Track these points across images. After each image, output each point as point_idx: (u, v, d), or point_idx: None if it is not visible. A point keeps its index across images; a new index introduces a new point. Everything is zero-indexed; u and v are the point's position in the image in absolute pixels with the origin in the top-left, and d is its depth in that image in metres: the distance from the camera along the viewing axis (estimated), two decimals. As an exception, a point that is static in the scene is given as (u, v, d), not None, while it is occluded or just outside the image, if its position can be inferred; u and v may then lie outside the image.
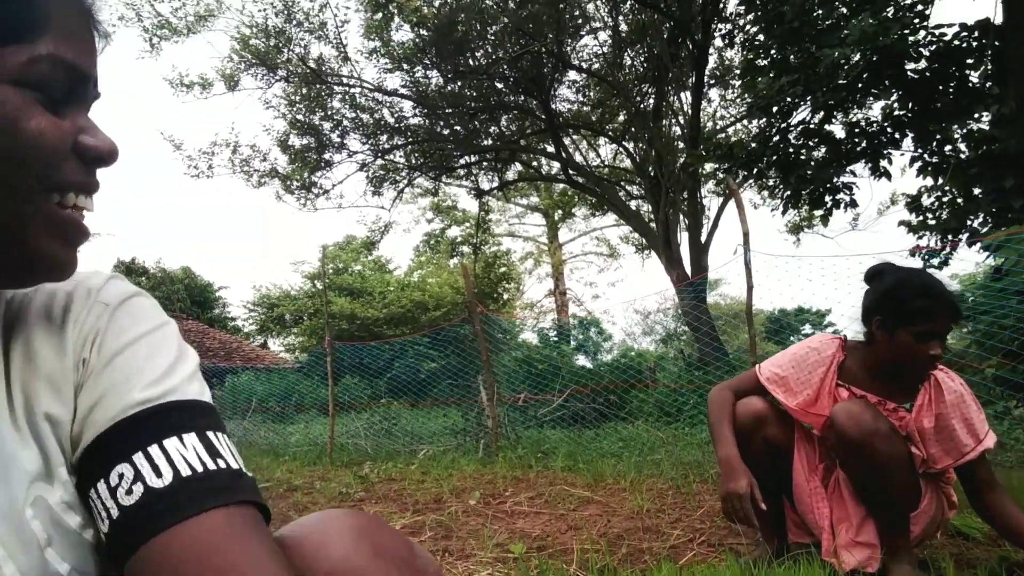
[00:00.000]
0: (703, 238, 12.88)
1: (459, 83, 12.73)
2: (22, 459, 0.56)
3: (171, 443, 0.57)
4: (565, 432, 6.92)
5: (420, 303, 18.04)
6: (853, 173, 7.55)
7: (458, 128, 13.60)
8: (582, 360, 13.73)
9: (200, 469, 0.57)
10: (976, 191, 6.10)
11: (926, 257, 6.60)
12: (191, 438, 0.59)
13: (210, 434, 0.60)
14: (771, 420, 2.16)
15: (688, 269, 12.24)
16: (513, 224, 27.33)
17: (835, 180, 7.44)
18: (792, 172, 7.35)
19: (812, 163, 7.44)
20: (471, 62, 12.26)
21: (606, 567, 2.01)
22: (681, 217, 12.89)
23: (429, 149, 14.02)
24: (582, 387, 8.43)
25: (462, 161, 14.50)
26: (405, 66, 12.48)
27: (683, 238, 12.83)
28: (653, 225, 13.07)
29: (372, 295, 18.06)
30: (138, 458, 0.56)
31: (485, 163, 14.70)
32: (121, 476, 0.56)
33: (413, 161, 14.23)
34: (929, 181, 6.87)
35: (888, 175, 7.27)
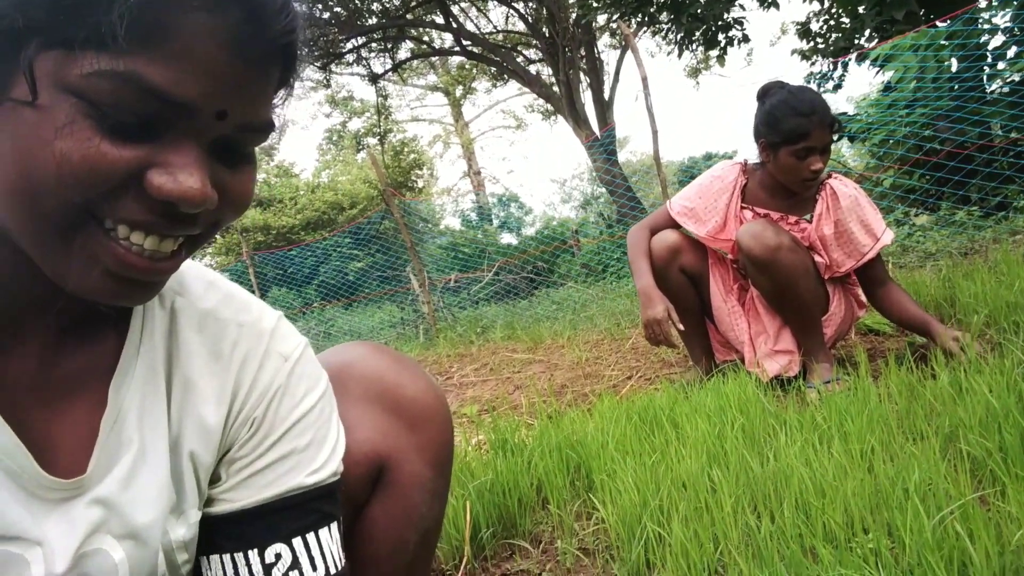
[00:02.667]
0: (606, 94, 12.79)
1: (331, -42, 11.78)
2: (166, 489, 0.61)
3: (324, 535, 0.65)
4: (500, 306, 7.09)
5: (334, 203, 17.54)
6: (742, 7, 7.55)
7: (338, 9, 12.71)
8: (507, 237, 13.84)
9: (339, 567, 0.66)
10: (860, 9, 6.22)
11: (819, 82, 6.78)
12: (334, 529, 0.67)
13: (339, 520, 0.68)
14: (686, 249, 2.28)
15: (595, 128, 12.22)
16: (415, 108, 26.52)
17: (726, 16, 7.43)
18: (683, 12, 7.28)
19: (701, 1, 7.37)
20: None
21: (554, 412, 2.14)
22: (582, 76, 12.71)
23: (312, 36, 13.11)
24: (511, 258, 8.56)
25: (349, 45, 13.65)
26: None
27: (587, 97, 12.71)
28: (556, 88, 12.86)
29: (283, 202, 17.40)
30: (297, 545, 0.64)
31: (374, 44, 13.88)
32: (278, 556, 0.63)
33: (297, 53, 13.32)
34: (816, 6, 6.94)
35: (776, 4, 7.30)
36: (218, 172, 0.51)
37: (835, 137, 2.06)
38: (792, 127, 1.98)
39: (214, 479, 0.66)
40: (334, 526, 0.67)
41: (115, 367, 0.60)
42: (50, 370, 0.58)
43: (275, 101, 0.55)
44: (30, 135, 0.44)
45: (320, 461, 0.66)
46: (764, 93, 2.14)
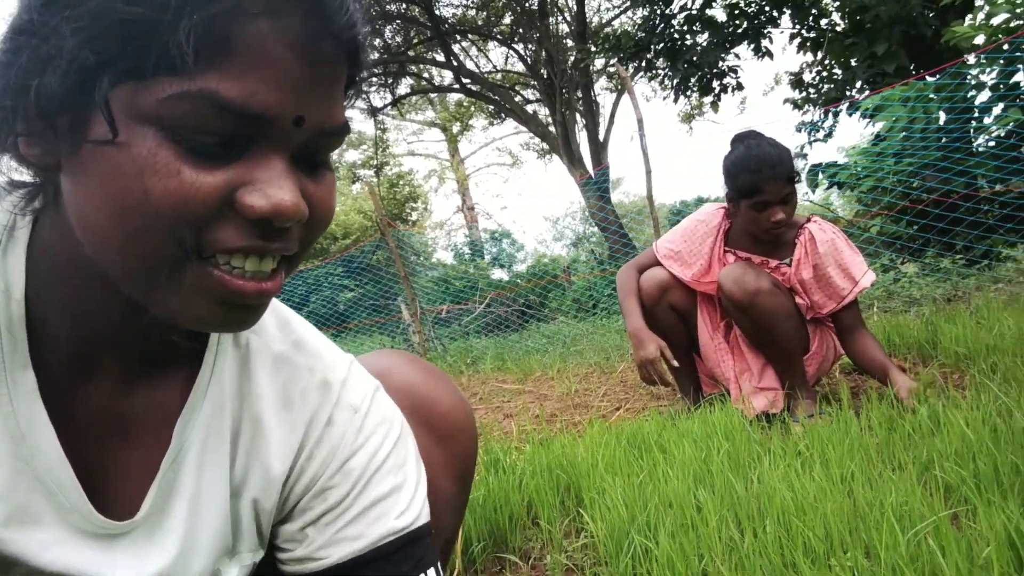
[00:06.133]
0: (601, 136, 13.05)
1: (335, -5, 12.04)
2: (222, 532, 0.61)
3: None
4: (491, 339, 7.12)
5: (327, 233, 17.64)
6: (737, 56, 7.79)
7: (341, 45, 12.96)
8: (499, 273, 13.94)
9: None
10: (852, 62, 6.43)
11: (811, 131, 6.97)
12: (432, 573, 0.66)
13: (436, 565, 0.67)
14: (674, 287, 2.34)
15: (590, 168, 12.43)
16: (412, 143, 26.73)
17: (721, 64, 7.66)
18: (679, 59, 7.51)
19: (697, 48, 7.60)
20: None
21: (544, 438, 2.17)
22: (578, 117, 12.96)
23: (372, 31, 13.35)
24: (502, 291, 8.62)
25: (350, 79, 13.91)
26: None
27: (582, 138, 12.96)
28: (552, 128, 13.10)
29: (275, 230, 17.51)
30: None
31: (374, 79, 14.15)
32: None
33: (298, 84, 13.54)
34: (809, 57, 7.18)
35: (770, 54, 7.53)
36: (303, 183, 0.49)
37: (795, 185, 2.09)
38: (745, 183, 2.06)
39: (300, 538, 0.64)
40: (431, 572, 0.65)
41: (183, 406, 0.59)
42: (118, 406, 0.57)
43: (345, 101, 0.54)
44: (116, 175, 0.43)
45: (403, 504, 0.65)
46: (732, 144, 2.21)
